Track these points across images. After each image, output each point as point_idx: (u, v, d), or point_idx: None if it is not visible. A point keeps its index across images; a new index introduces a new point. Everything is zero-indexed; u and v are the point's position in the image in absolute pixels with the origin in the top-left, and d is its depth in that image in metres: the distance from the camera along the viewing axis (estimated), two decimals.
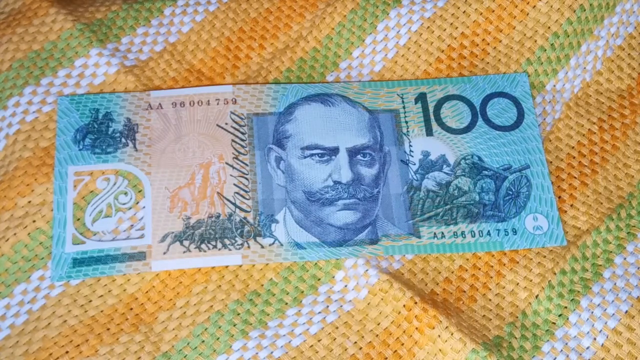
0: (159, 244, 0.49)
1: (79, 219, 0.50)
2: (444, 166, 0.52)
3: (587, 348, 0.47)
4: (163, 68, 0.55)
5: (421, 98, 0.55)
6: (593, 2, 0.56)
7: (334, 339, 0.47)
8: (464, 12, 0.57)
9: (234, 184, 0.51)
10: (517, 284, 0.49)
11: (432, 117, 0.54)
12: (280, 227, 0.50)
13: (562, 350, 0.47)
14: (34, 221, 0.49)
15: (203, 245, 0.49)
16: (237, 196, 0.51)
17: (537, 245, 0.50)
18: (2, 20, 0.56)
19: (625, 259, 0.50)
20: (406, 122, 0.54)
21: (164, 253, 0.49)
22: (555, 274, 0.49)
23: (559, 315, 0.48)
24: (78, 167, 0.51)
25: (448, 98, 0.55)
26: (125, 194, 0.51)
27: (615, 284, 0.49)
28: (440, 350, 0.46)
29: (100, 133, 0.52)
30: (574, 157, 0.54)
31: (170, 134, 0.53)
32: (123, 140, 0.52)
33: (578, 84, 0.56)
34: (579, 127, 0.55)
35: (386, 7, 0.57)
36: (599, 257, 0.50)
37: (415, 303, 0.47)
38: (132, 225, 0.50)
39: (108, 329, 0.47)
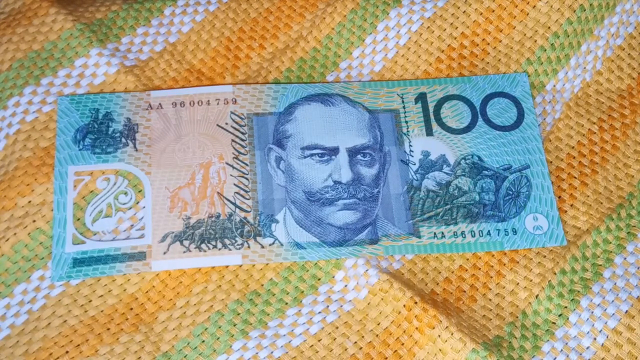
0: (159, 244, 0.49)
1: (79, 219, 0.50)
2: (444, 166, 0.52)
3: (587, 348, 0.47)
4: (163, 68, 0.55)
5: (421, 98, 0.55)
6: (593, 2, 0.56)
7: (334, 339, 0.47)
8: (464, 12, 0.57)
9: (234, 184, 0.51)
10: (517, 283, 0.49)
11: (432, 117, 0.54)
12: (280, 227, 0.50)
13: (562, 350, 0.47)
14: (34, 221, 0.49)
15: (203, 245, 0.49)
16: (237, 196, 0.51)
17: (537, 245, 0.50)
18: (2, 20, 0.56)
19: (625, 258, 0.50)
20: (406, 122, 0.54)
21: (164, 253, 0.49)
22: (555, 273, 0.49)
23: (559, 315, 0.48)
24: (78, 167, 0.51)
25: (448, 98, 0.55)
26: (125, 194, 0.51)
27: (615, 283, 0.49)
28: (440, 350, 0.46)
29: (100, 133, 0.52)
30: (574, 157, 0.54)
31: (170, 134, 0.53)
32: (123, 140, 0.52)
33: (578, 84, 0.56)
34: (579, 127, 0.55)
35: (386, 7, 0.57)
36: (599, 257, 0.50)
37: (416, 303, 0.47)
38: (132, 225, 0.50)
39: (108, 329, 0.47)
